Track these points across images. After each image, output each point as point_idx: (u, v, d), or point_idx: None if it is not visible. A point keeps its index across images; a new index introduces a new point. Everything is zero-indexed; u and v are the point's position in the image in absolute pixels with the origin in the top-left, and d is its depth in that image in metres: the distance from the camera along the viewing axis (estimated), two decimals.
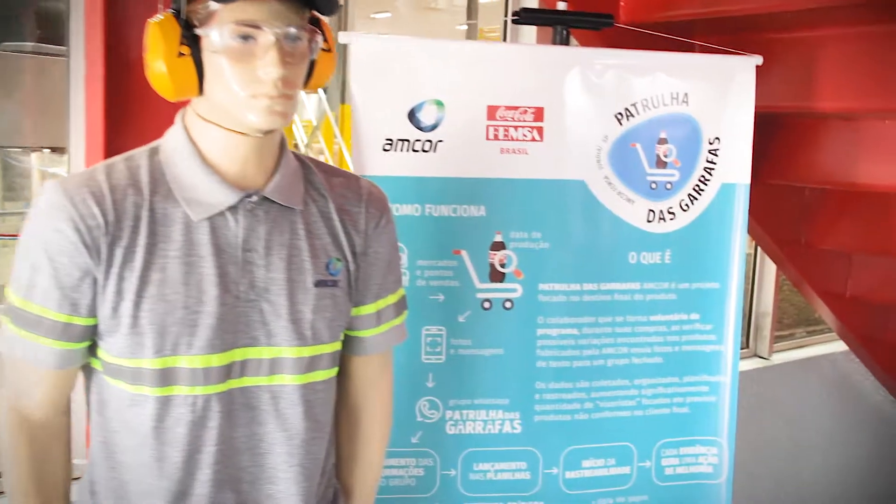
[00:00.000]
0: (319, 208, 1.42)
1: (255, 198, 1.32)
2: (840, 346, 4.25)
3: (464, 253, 2.18)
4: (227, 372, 1.33)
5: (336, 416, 1.56)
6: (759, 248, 4.31)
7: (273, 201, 1.35)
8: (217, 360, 1.31)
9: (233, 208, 1.32)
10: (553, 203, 2.21)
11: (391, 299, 1.54)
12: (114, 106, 2.10)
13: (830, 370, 4.68)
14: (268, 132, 1.31)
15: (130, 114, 2.09)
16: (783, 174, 2.92)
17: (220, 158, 1.32)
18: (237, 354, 1.33)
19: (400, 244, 2.06)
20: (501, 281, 2.20)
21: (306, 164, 1.45)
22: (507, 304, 2.21)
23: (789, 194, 3.10)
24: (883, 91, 2.45)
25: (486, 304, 2.20)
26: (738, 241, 2.35)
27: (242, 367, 1.34)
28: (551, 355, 2.25)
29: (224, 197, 1.31)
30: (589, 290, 2.26)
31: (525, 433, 2.26)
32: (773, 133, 2.84)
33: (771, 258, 3.45)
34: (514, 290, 2.21)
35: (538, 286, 2.22)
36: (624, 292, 2.29)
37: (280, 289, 1.35)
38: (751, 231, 3.07)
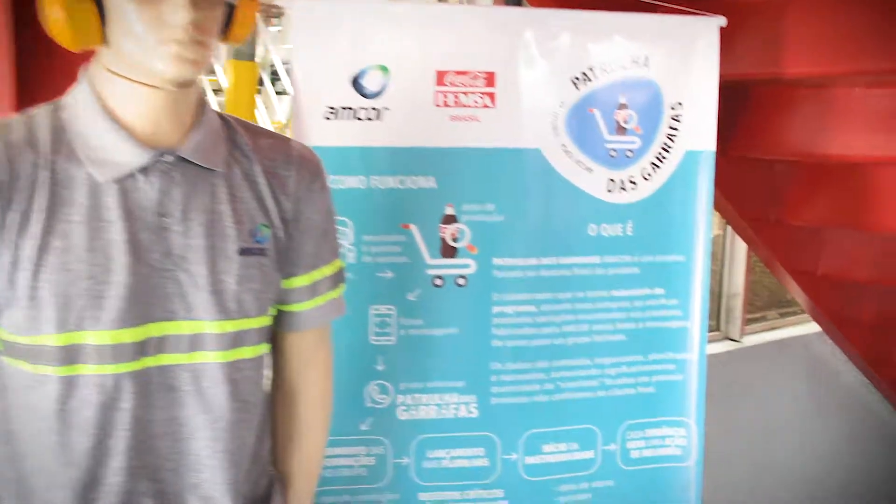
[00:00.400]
0: (244, 170, 1.32)
1: (169, 157, 1.22)
2: (813, 328, 4.21)
3: (413, 227, 2.08)
4: (142, 349, 1.22)
5: (272, 398, 1.47)
6: (728, 228, 4.29)
7: (191, 162, 1.24)
8: (129, 336, 1.20)
9: (145, 169, 1.21)
10: (507, 173, 2.11)
11: (327, 270, 1.45)
12: (27, 75, 1.95)
13: (803, 352, 4.66)
14: (181, 84, 1.19)
15: (46, 85, 1.94)
16: (752, 147, 2.84)
17: (129, 115, 1.21)
18: (153, 329, 1.23)
19: (344, 218, 2.02)
20: (453, 256, 2.10)
21: (230, 124, 1.35)
22: (461, 281, 2.11)
23: (759, 168, 3.02)
24: (851, 55, 2.37)
25: (438, 281, 2.10)
26: (704, 210, 2.25)
27: (159, 344, 1.24)
28: (508, 334, 2.16)
29: (134, 156, 1.20)
30: (547, 265, 2.17)
31: (482, 417, 2.16)
32: (740, 104, 2.76)
33: (740, 236, 3.39)
34: (467, 266, 2.12)
35: (493, 261, 2.13)
36: (584, 266, 2.19)
37: (199, 257, 1.24)
38: (719, 208, 3.00)
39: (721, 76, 2.24)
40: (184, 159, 1.23)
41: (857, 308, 3.41)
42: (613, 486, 2.28)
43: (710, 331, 4.40)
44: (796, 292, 3.38)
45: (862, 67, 2.37)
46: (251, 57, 6.65)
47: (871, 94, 2.54)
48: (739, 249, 4.52)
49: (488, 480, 2.19)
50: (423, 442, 2.15)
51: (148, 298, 1.21)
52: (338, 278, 1.48)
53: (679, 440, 2.32)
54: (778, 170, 3.03)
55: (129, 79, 1.19)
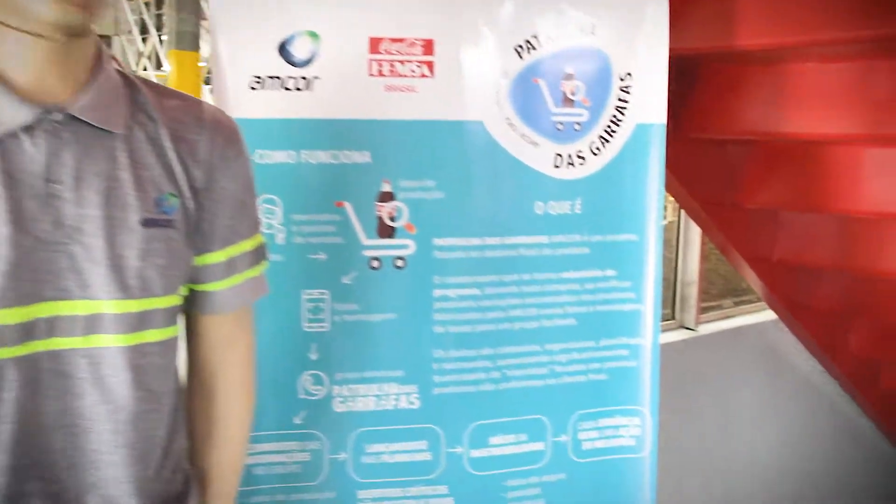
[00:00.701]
0: (148, 134, 1.19)
1: (57, 116, 1.09)
2: (768, 316, 4.20)
3: (347, 205, 1.96)
4: (29, 332, 1.09)
5: (188, 387, 1.36)
6: (682, 214, 4.26)
7: (84, 122, 1.11)
8: (12, 317, 1.07)
9: (29, 129, 1.07)
10: (448, 147, 1.99)
11: (245, 246, 1.33)
12: None
13: (759, 340, 4.65)
14: (68, 32, 1.07)
15: None
16: (704, 127, 2.76)
17: (9, 66, 1.08)
18: (41, 310, 1.10)
19: (273, 196, 1.89)
20: (391, 236, 1.99)
21: (133, 83, 1.22)
22: (399, 263, 2.00)
23: (712, 149, 2.95)
24: (804, 25, 2.28)
25: (375, 263, 1.99)
26: (656, 186, 2.16)
27: (49, 326, 1.11)
28: (450, 319, 2.04)
29: (14, 113, 1.06)
30: (491, 245, 2.05)
31: (424, 408, 2.05)
32: (691, 82, 2.68)
33: (694, 220, 3.33)
34: (405, 247, 2.00)
35: (433, 241, 2.02)
36: (530, 246, 2.08)
37: (96, 228, 1.11)
38: (673, 191, 2.92)
39: (671, 50, 2.15)
40: (75, 118, 1.10)
41: (813, 294, 3.37)
42: (565, 479, 2.19)
43: (665, 319, 4.38)
44: (752, 279, 3.33)
45: (815, 38, 2.29)
46: (195, 46, 6.56)
47: (825, 68, 2.47)
48: (694, 237, 4.51)
49: (432, 476, 2.09)
50: (361, 436, 2.04)
51: (35, 275, 1.08)
52: (258, 255, 1.36)
53: (633, 430, 2.22)
54: (731, 150, 2.96)
55: (9, 26, 1.06)
